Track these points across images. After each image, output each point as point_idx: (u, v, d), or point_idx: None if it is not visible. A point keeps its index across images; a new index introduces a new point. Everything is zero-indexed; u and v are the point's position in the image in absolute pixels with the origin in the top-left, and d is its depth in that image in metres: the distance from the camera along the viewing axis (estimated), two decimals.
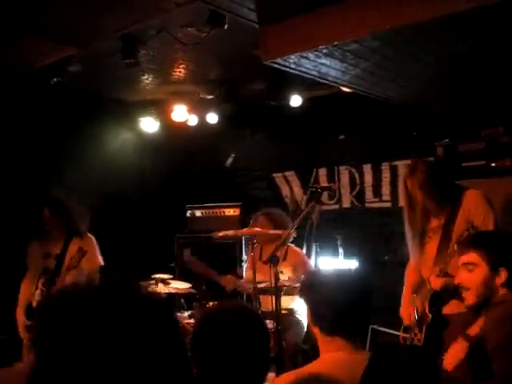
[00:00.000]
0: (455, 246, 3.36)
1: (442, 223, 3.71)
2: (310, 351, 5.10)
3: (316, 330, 2.21)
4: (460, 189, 3.72)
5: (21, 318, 4.56)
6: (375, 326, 5.46)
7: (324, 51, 3.94)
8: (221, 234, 4.70)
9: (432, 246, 3.74)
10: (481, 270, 2.66)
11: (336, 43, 3.77)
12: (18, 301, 4.66)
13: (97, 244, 4.84)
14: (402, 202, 4.08)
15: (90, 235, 4.83)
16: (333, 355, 2.11)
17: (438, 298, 3.60)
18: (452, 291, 3.31)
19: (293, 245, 5.16)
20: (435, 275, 3.60)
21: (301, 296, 2.33)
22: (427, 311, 3.64)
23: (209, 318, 1.99)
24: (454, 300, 3.44)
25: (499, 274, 2.61)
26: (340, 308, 2.13)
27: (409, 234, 3.86)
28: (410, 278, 3.99)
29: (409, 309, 3.87)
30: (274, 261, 3.86)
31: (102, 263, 4.82)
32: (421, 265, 3.84)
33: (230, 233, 4.75)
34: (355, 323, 2.16)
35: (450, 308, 3.54)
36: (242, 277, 5.42)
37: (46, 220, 4.71)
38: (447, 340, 3.53)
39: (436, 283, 3.58)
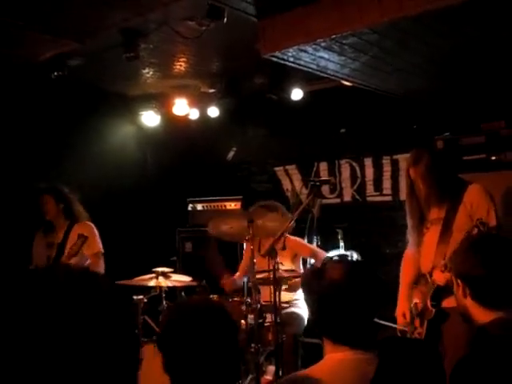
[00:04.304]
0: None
1: (442, 215, 3.70)
2: (310, 344, 5.13)
3: (319, 331, 2.09)
4: (462, 182, 3.72)
5: None
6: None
7: (322, 44, 3.93)
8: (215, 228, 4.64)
9: (430, 237, 3.74)
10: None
11: (334, 36, 3.76)
12: None
13: (97, 231, 4.94)
14: (404, 191, 4.07)
15: (89, 223, 4.95)
16: (337, 355, 2.00)
17: (440, 293, 3.59)
18: None
19: (289, 235, 5.18)
20: (439, 270, 3.59)
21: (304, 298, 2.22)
22: (429, 305, 3.64)
23: (175, 315, 1.98)
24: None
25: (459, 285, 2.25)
26: (343, 319, 1.98)
27: (409, 223, 3.87)
28: (406, 272, 3.98)
29: (405, 307, 3.86)
30: (272, 254, 3.87)
31: (102, 250, 4.95)
32: (419, 256, 3.84)
33: (227, 227, 4.71)
34: (361, 332, 1.98)
35: (448, 302, 3.53)
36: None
37: (49, 208, 4.81)
38: (447, 333, 3.56)
39: (440, 278, 3.57)
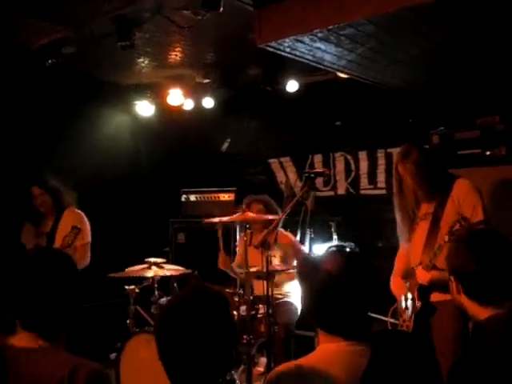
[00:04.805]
0: (446, 238, 3.35)
1: (431, 211, 3.70)
2: (302, 337, 5.14)
3: (313, 322, 2.07)
4: (450, 177, 3.71)
5: None
6: None
7: (319, 35, 3.90)
8: (212, 220, 4.65)
9: (420, 232, 3.73)
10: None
11: (331, 27, 3.73)
12: None
13: (87, 220, 4.92)
14: (393, 186, 4.06)
15: (79, 211, 4.92)
16: (331, 346, 1.99)
17: (427, 287, 3.60)
18: (441, 285, 3.29)
19: (282, 229, 5.18)
20: (423, 267, 3.59)
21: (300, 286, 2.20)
22: (416, 299, 3.65)
23: (174, 304, 1.95)
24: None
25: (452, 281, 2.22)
26: (338, 310, 1.96)
27: (399, 219, 3.87)
28: (399, 264, 4.01)
29: (401, 282, 3.87)
30: (265, 246, 3.86)
31: (90, 240, 4.93)
32: (409, 251, 3.84)
33: (224, 219, 4.69)
34: (355, 324, 1.97)
35: (435, 296, 3.54)
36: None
37: (42, 201, 4.80)
38: (435, 327, 3.56)
39: (423, 278, 3.58)
